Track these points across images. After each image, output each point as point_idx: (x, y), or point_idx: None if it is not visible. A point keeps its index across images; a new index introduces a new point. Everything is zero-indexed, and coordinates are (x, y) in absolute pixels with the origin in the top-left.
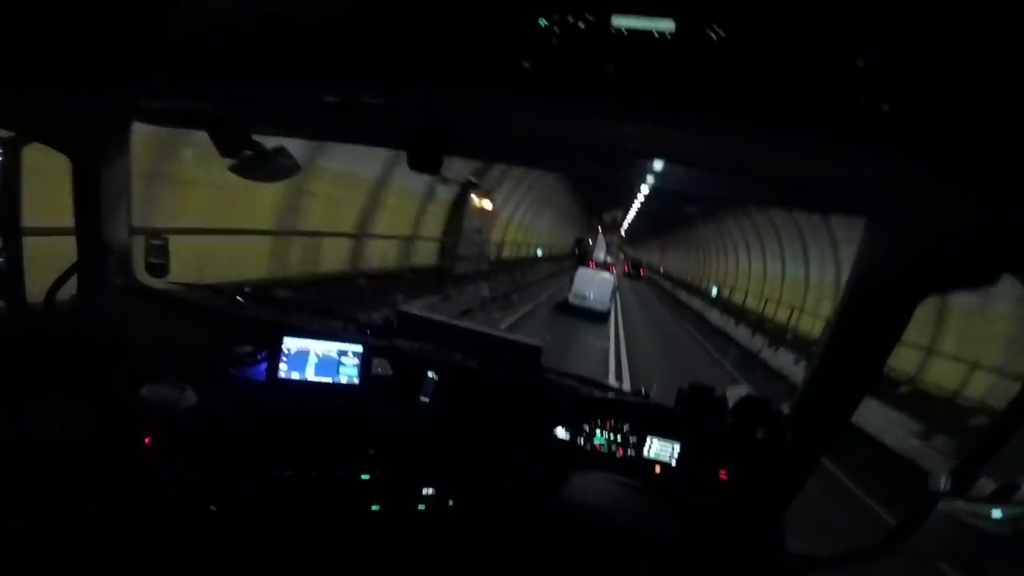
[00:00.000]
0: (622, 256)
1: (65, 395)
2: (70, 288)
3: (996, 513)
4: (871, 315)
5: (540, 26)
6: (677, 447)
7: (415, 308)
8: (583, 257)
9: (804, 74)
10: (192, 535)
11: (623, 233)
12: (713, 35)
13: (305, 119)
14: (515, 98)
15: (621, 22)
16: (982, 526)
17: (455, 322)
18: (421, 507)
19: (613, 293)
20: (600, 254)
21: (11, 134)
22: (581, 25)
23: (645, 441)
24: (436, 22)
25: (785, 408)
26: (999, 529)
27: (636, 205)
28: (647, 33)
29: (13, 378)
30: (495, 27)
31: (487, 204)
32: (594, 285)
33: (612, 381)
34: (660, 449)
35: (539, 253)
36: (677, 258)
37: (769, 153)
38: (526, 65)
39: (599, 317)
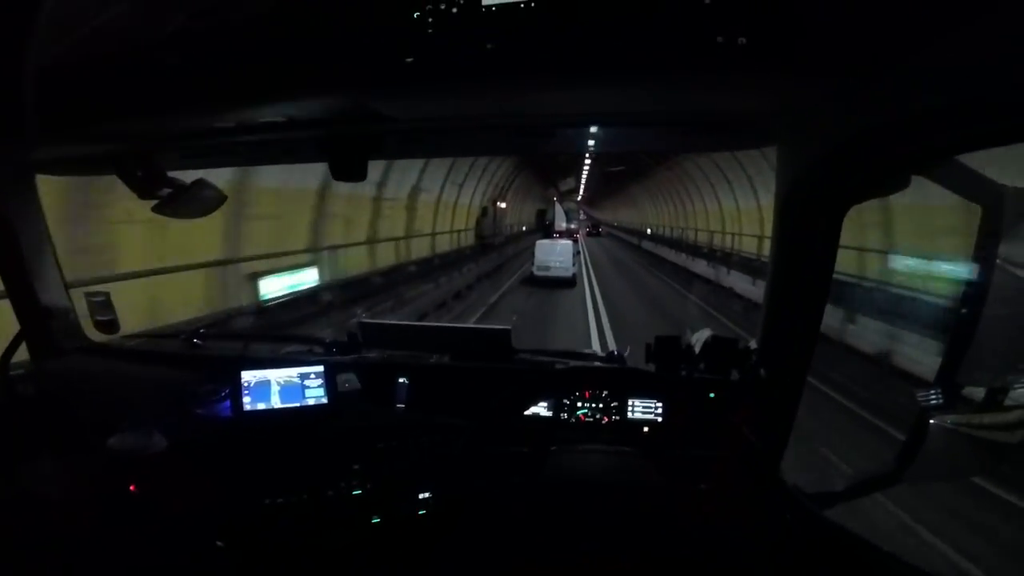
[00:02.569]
0: (583, 217)
1: (48, 455)
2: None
3: (996, 421)
4: (803, 236)
5: (414, 17)
6: (660, 405)
7: (375, 316)
8: (549, 228)
9: (662, 16)
10: (206, 571)
11: (579, 199)
12: None
13: (217, 147)
14: (404, 91)
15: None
16: (979, 437)
17: (419, 323)
18: (422, 512)
19: (575, 257)
20: (561, 223)
21: None
22: (454, 10)
23: (627, 404)
24: (321, 31)
25: (753, 343)
26: (1001, 437)
27: (585, 171)
28: (515, 5)
29: None
30: (373, 26)
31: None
32: (555, 254)
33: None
34: (644, 409)
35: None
36: (630, 212)
37: (663, 99)
38: (408, 59)
39: (567, 283)
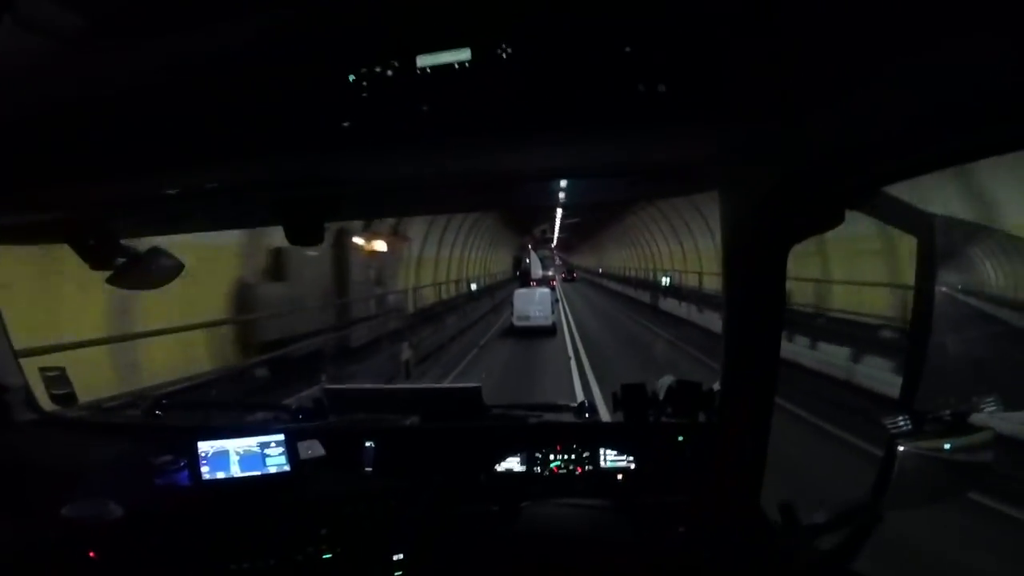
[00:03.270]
0: (559, 262)
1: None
2: None
3: (967, 443)
4: (752, 276)
5: (349, 81)
6: (631, 451)
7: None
8: (525, 277)
9: (594, 72)
10: None
11: (554, 244)
12: (504, 55)
13: (170, 213)
14: (344, 155)
15: (425, 61)
16: (950, 460)
17: (388, 386)
18: (397, 573)
19: (554, 305)
20: (537, 271)
21: None
22: (388, 72)
23: (599, 453)
24: (260, 95)
25: (716, 385)
26: (975, 458)
27: (558, 218)
28: (449, 66)
29: None
30: (309, 90)
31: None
32: (534, 303)
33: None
34: (615, 458)
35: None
36: (603, 256)
37: (601, 152)
38: (345, 124)
39: (547, 332)
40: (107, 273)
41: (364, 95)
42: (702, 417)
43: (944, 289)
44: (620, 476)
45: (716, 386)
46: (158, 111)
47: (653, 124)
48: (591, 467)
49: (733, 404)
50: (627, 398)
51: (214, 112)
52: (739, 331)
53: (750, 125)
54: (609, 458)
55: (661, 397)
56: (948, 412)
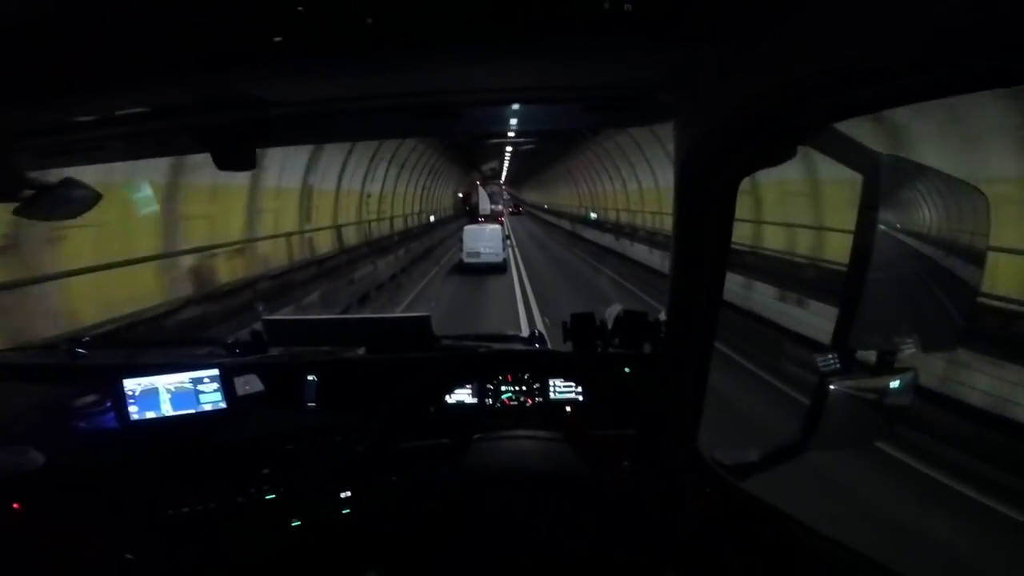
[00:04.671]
0: (507, 197)
1: None
2: None
3: (891, 384)
4: (701, 210)
5: None
6: (579, 382)
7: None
8: (473, 213)
9: None
10: None
11: (502, 180)
12: None
13: (82, 143)
14: (277, 73)
15: None
16: (878, 401)
17: (329, 316)
18: (345, 511)
19: (504, 241)
20: (485, 206)
21: None
22: None
23: (548, 385)
24: (182, 8)
25: (663, 315)
26: (896, 400)
27: (508, 153)
28: None
29: None
30: (237, 1)
31: None
32: (483, 239)
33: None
34: (564, 389)
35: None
36: (547, 193)
37: (557, 73)
38: (276, 39)
39: (498, 268)
40: None
41: (300, 8)
42: (647, 348)
43: (884, 228)
44: (569, 408)
45: (662, 316)
46: (57, 29)
47: (610, 43)
48: (541, 399)
49: (676, 337)
50: (576, 328)
51: (123, 27)
52: (686, 264)
53: (706, 45)
54: (559, 389)
55: (610, 327)
56: (877, 351)
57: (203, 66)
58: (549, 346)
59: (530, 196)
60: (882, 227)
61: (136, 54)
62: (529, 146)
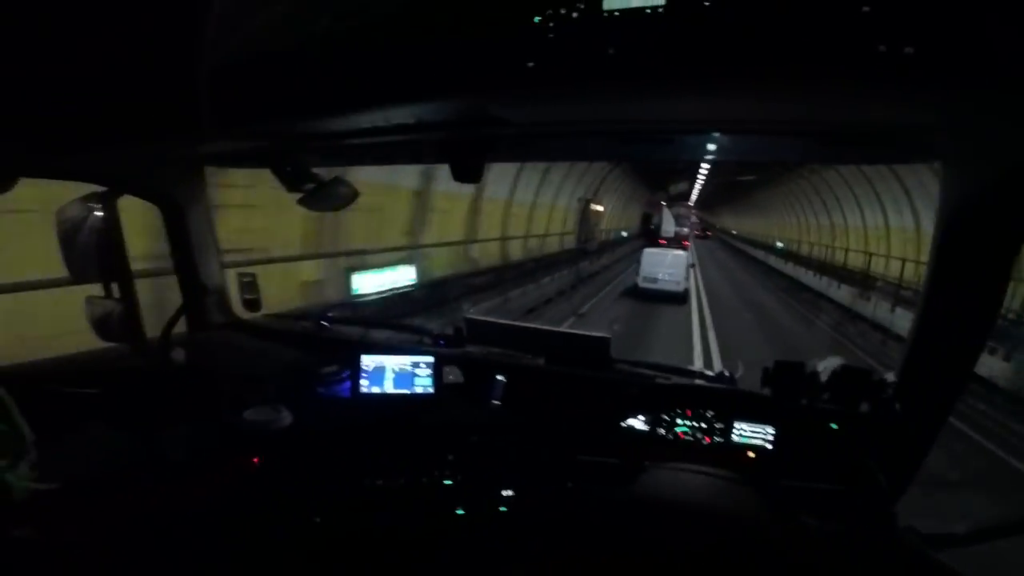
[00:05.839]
0: (694, 220)
1: (187, 422)
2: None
3: None
4: (968, 264)
5: (535, 22)
6: (771, 430)
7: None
8: (655, 234)
9: (809, 23)
10: (301, 544)
11: (692, 203)
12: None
13: (353, 148)
14: (524, 96)
15: (612, 4)
16: None
17: (521, 323)
18: (503, 508)
19: (688, 269)
20: (669, 228)
21: (106, 189)
22: (574, 15)
23: (733, 427)
24: (447, 37)
25: (890, 376)
26: None
27: (701, 176)
28: (639, 9)
29: (143, 409)
30: (496, 32)
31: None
32: (664, 265)
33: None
34: (752, 433)
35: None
36: (746, 220)
37: (805, 109)
38: (530, 64)
39: (677, 298)
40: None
41: (550, 36)
42: (864, 407)
43: None
44: (752, 454)
45: (890, 376)
46: (349, 55)
47: (877, 84)
48: (721, 439)
49: (907, 400)
50: (779, 374)
51: (400, 54)
52: (937, 325)
53: (996, 91)
54: (744, 433)
55: (824, 380)
56: None
57: (459, 87)
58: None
59: (720, 221)
60: None
61: (403, 75)
62: (748, 176)
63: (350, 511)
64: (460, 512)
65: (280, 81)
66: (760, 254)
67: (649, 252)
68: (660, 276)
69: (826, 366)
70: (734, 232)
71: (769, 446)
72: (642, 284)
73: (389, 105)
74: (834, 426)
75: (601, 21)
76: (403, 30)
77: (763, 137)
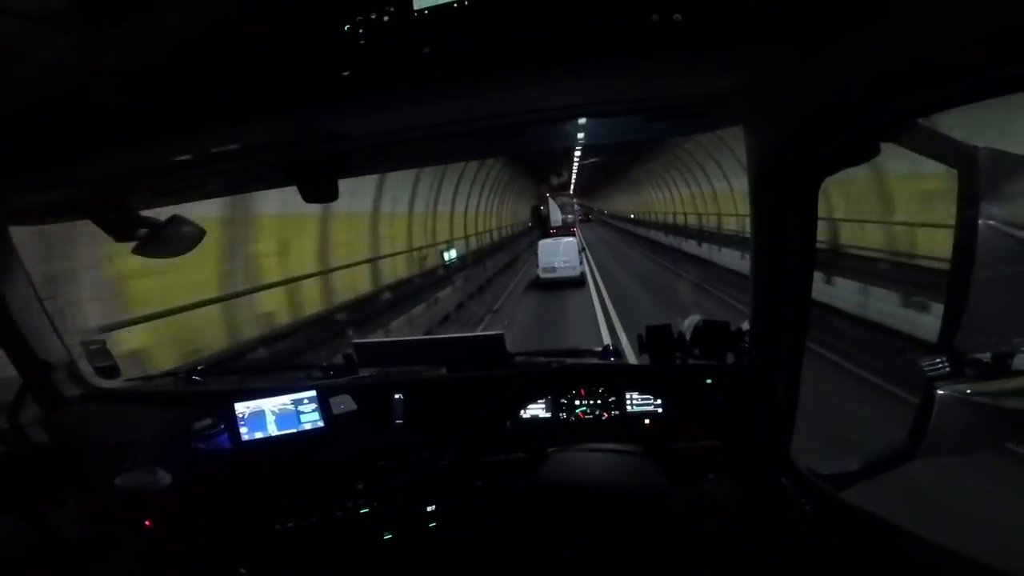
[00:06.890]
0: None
1: (70, 498)
2: None
3: (1006, 387)
4: (781, 212)
5: (345, 30)
6: (657, 397)
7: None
8: (544, 225)
9: (597, 4)
10: None
11: (571, 192)
12: None
13: (184, 182)
14: (348, 107)
15: (423, 2)
16: (990, 405)
17: (412, 337)
18: (432, 524)
19: (580, 253)
20: (556, 217)
21: None
22: (385, 18)
23: (624, 399)
24: (258, 54)
25: (745, 325)
26: (1014, 404)
27: (575, 164)
28: (448, 6)
29: (20, 492)
30: (306, 44)
31: None
32: (559, 253)
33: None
34: (642, 401)
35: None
36: (621, 200)
37: (612, 89)
38: (345, 73)
39: (576, 283)
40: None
41: (361, 43)
42: (731, 358)
43: (988, 223)
44: (647, 421)
45: (745, 326)
46: (158, 81)
47: (670, 55)
48: (617, 412)
49: (764, 345)
50: (652, 340)
51: (214, 76)
52: (768, 269)
53: (774, 52)
54: (635, 402)
55: (688, 338)
56: (989, 354)
57: (283, 105)
58: (626, 359)
59: (598, 204)
60: (984, 222)
61: (223, 98)
62: (594, 159)
63: (272, 555)
64: (388, 537)
65: (71, 121)
66: (631, 227)
67: (544, 243)
68: (557, 264)
69: (688, 324)
70: (610, 212)
71: (659, 411)
72: (543, 276)
73: (206, 131)
74: (709, 381)
75: (412, 21)
76: (209, 53)
77: (598, 119)
